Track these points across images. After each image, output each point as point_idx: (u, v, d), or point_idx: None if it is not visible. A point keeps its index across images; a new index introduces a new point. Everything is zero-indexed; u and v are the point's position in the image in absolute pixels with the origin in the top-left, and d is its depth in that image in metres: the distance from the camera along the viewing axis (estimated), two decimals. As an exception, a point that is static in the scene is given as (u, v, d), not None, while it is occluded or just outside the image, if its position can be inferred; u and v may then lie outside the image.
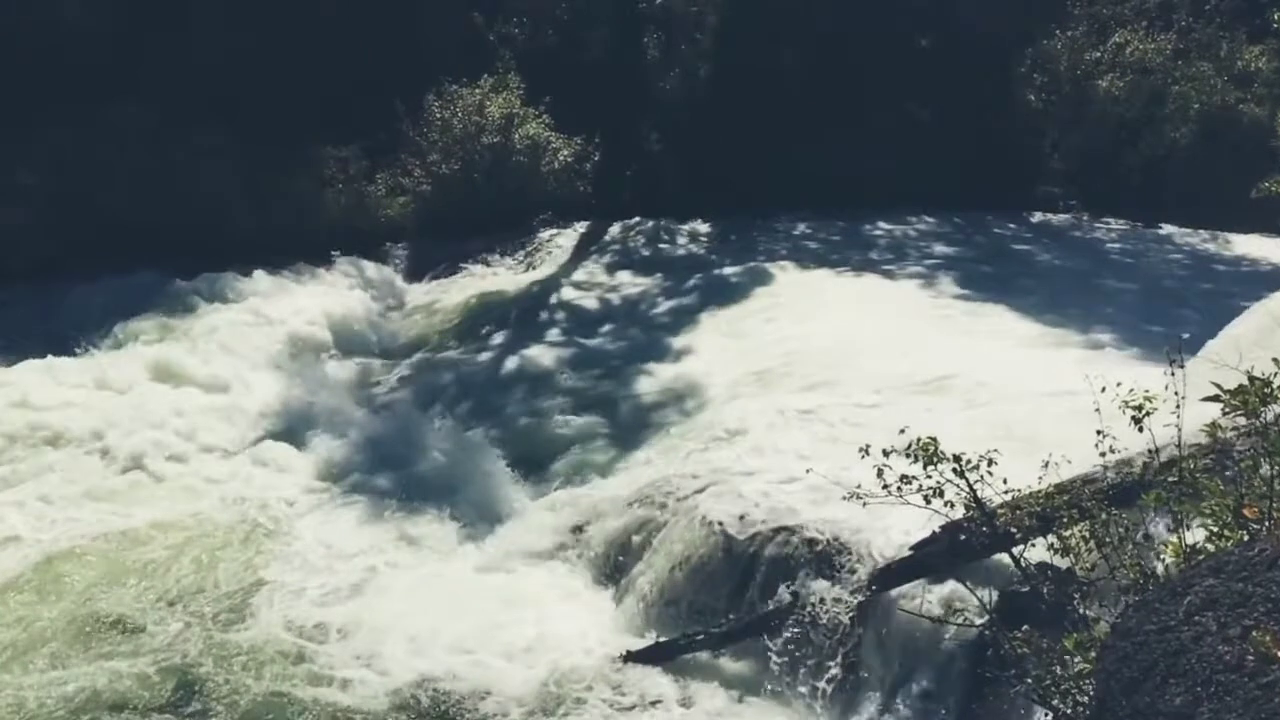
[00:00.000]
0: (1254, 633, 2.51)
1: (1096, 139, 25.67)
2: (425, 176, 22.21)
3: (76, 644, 9.12)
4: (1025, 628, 4.57)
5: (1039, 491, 5.01)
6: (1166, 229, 22.90)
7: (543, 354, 15.68)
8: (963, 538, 6.10)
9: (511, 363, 15.52)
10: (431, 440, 12.96)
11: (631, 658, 8.95)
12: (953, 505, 4.89)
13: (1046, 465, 5.07)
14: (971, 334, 14.62)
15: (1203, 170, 23.47)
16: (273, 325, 16.76)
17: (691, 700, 8.54)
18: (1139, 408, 4.48)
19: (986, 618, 5.79)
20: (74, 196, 18.86)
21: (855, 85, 24.21)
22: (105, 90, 19.69)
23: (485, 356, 15.97)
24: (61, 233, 18.32)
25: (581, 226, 22.51)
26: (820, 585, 8.58)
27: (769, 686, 8.54)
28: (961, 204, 23.28)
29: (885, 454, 4.82)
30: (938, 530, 7.38)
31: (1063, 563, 4.90)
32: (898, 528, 8.39)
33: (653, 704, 8.48)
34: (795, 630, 8.51)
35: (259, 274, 18.31)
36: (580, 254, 21.19)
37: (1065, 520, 4.76)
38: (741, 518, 9.39)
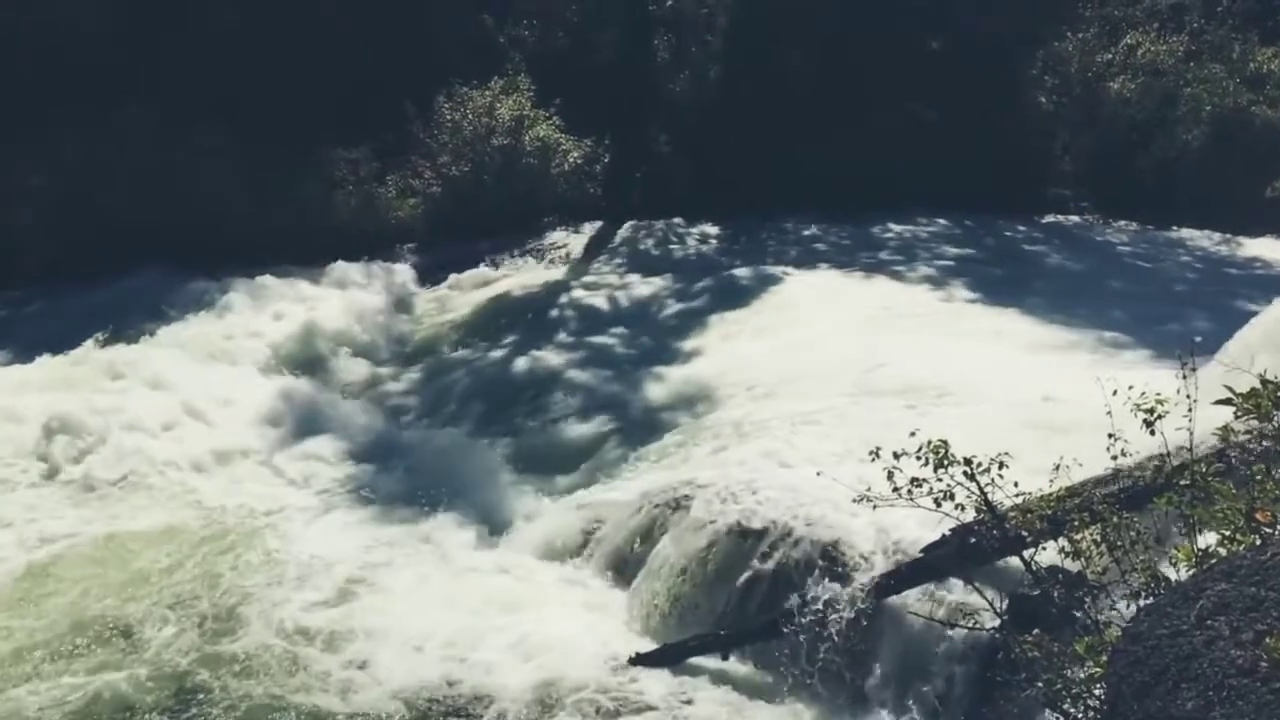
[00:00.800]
0: (1267, 638, 2.49)
1: (1108, 141, 25.60)
2: (435, 178, 22.27)
3: (72, 651, 9.03)
4: (1036, 631, 4.55)
5: (1050, 495, 4.99)
6: (1178, 231, 22.81)
7: (552, 356, 15.70)
8: (973, 541, 6.09)
9: (521, 365, 15.54)
10: (440, 443, 12.98)
11: (639, 660, 8.94)
12: (963, 508, 4.87)
13: (1057, 468, 5.05)
14: (980, 338, 14.57)
15: (1215, 172, 23.39)
16: (281, 327, 16.80)
17: (699, 703, 8.53)
18: (1151, 411, 4.46)
19: (997, 621, 5.77)
20: (80, 198, 18.95)
21: (865, 87, 24.19)
22: (111, 91, 19.79)
23: (495, 358, 16.00)
24: (68, 234, 18.40)
25: (591, 228, 22.54)
26: (829, 588, 8.56)
27: (777, 690, 8.52)
28: (972, 206, 23.23)
29: (896, 457, 4.80)
30: (948, 533, 7.36)
31: (1074, 566, 4.88)
32: (907, 531, 8.37)
33: (660, 707, 8.47)
34: (804, 633, 8.50)
35: (268, 275, 18.37)
36: (590, 255, 21.22)
37: (1076, 523, 4.74)
38: (750, 520, 9.38)
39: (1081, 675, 4.10)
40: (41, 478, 12.38)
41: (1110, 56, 26.61)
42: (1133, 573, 4.42)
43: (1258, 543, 3.46)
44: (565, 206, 22.58)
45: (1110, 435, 4.79)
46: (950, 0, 25.28)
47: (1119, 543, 4.57)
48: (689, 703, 8.52)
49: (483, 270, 20.35)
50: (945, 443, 4.79)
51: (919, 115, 24.26)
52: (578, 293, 18.80)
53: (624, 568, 10.15)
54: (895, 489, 4.83)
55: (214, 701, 8.42)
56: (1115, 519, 4.65)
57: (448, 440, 13.01)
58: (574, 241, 21.98)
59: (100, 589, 10.05)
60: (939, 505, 4.82)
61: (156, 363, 15.04)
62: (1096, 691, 3.95)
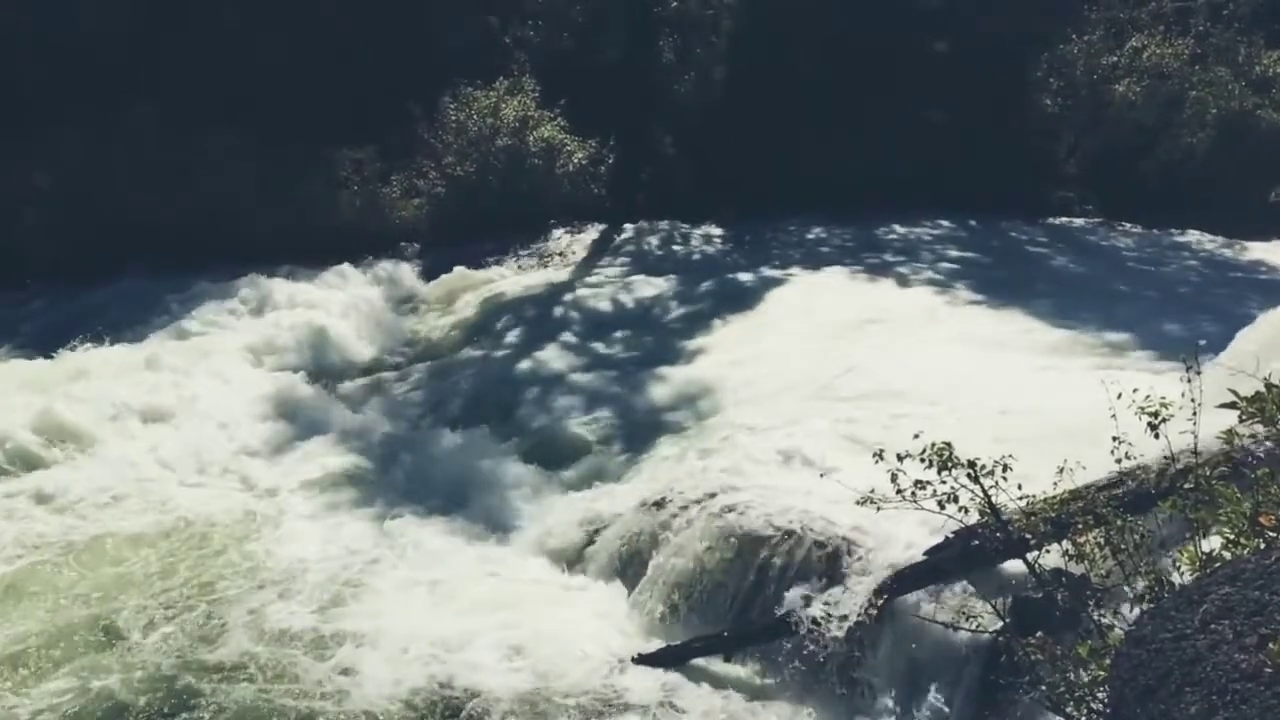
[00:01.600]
0: (1271, 642, 2.49)
1: (1113, 143, 25.56)
2: (440, 178, 22.30)
3: (57, 657, 8.92)
4: (1039, 634, 4.55)
5: (1054, 497, 4.99)
6: (1183, 234, 22.76)
7: (556, 356, 15.71)
8: (976, 543, 6.09)
9: (525, 365, 15.54)
10: (442, 443, 12.99)
11: (641, 661, 8.95)
12: (967, 511, 4.88)
13: (1061, 471, 5.06)
14: (970, 342, 14.53)
15: (1220, 176, 23.34)
16: (284, 327, 16.82)
17: (701, 704, 8.53)
18: (1155, 414, 4.46)
19: (1000, 624, 5.77)
20: (86, 198, 19.00)
21: (870, 89, 24.17)
22: (120, 91, 19.85)
23: (498, 359, 16.00)
24: (72, 233, 18.46)
25: (595, 229, 22.55)
26: (832, 590, 8.56)
27: (779, 692, 8.51)
28: (976, 208, 23.21)
29: (899, 459, 4.81)
30: (951, 535, 7.36)
31: (1077, 569, 4.88)
32: (911, 533, 8.36)
33: (662, 708, 8.47)
34: (806, 635, 8.49)
35: (273, 274, 18.40)
36: (594, 256, 21.22)
37: (1080, 526, 4.74)
38: (753, 522, 9.37)
39: (1084, 678, 4.10)
40: (30, 475, 12.31)
41: (1116, 59, 26.56)
42: (1136, 576, 4.42)
43: (1262, 546, 3.45)
44: (569, 207, 22.59)
45: (1115, 439, 4.79)
46: (955, 2, 25.27)
47: (1123, 546, 4.57)
48: (690, 704, 8.52)
49: (486, 271, 20.35)
50: (949, 445, 4.79)
51: (923, 117, 24.25)
52: (581, 294, 18.81)
53: (626, 569, 10.15)
54: (899, 491, 4.84)
55: (203, 706, 8.33)
56: (1119, 522, 4.66)
57: (450, 441, 13.01)
58: (578, 242, 21.99)
59: (87, 592, 9.96)
60: (943, 508, 4.83)
61: (157, 362, 15.06)
62: (1099, 695, 3.95)
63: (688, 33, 26.75)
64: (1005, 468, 4.85)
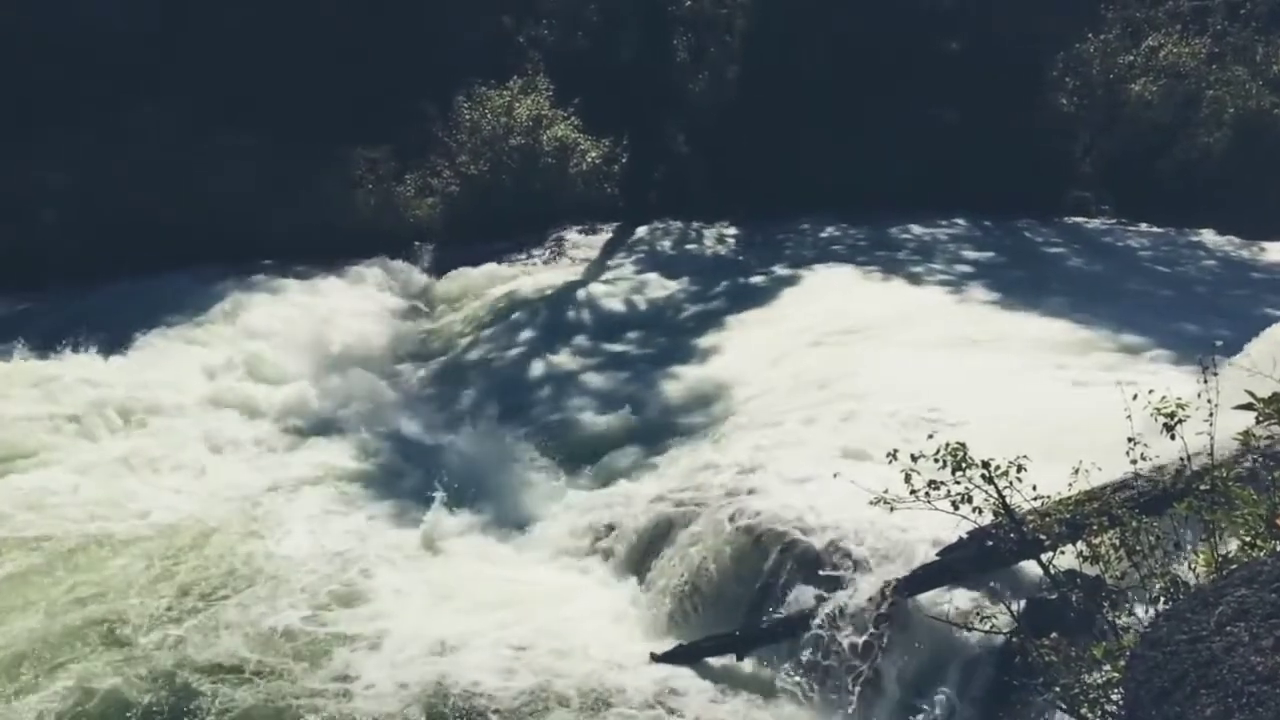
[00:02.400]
0: (1287, 644, 2.48)
1: (1129, 143, 25.43)
2: (454, 177, 22.35)
3: (61, 655, 8.91)
4: (1053, 635, 4.53)
5: (1069, 498, 4.97)
6: (1199, 235, 22.62)
7: (569, 355, 15.72)
8: (990, 544, 6.07)
9: (538, 363, 15.56)
10: (457, 440, 13.02)
11: (657, 659, 8.96)
12: (981, 511, 4.86)
13: (1076, 472, 5.03)
14: (995, 341, 14.48)
15: (1237, 176, 23.19)
16: (300, 325, 16.89)
17: (716, 702, 8.53)
18: (1171, 415, 4.43)
19: (1014, 624, 5.75)
20: (103, 197, 19.09)
21: (884, 88, 24.10)
22: (136, 91, 19.95)
23: (512, 357, 16.03)
24: (93, 233, 18.55)
25: (609, 228, 22.56)
26: (845, 589, 8.55)
27: (793, 690, 8.51)
28: (991, 208, 23.12)
29: (913, 459, 4.79)
30: (965, 536, 7.34)
31: (1092, 570, 4.86)
32: (925, 533, 8.34)
33: (677, 705, 8.47)
34: (820, 634, 8.48)
35: (288, 273, 18.49)
36: (607, 255, 21.23)
37: (1095, 527, 4.72)
38: (767, 521, 9.37)
39: (1099, 680, 4.09)
40: (35, 473, 12.36)
41: (1132, 58, 26.41)
42: (1152, 578, 4.40)
43: (1278, 548, 3.44)
44: (583, 206, 22.60)
45: (1130, 439, 4.77)
46: (970, 1, 25.18)
47: (1138, 547, 4.55)
48: (705, 702, 8.52)
49: (500, 269, 20.39)
50: (963, 445, 4.77)
51: (938, 116, 24.17)
52: (595, 292, 18.82)
53: (639, 567, 10.16)
54: (913, 491, 4.82)
55: (211, 706, 8.33)
56: (1134, 523, 4.63)
57: (462, 439, 13.05)
58: (591, 241, 22.00)
59: (97, 588, 9.98)
60: (956, 508, 4.81)
61: (171, 359, 15.15)
62: (1114, 697, 3.94)
63: (702, 32, 26.73)
64: (1020, 468, 4.83)
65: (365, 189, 21.68)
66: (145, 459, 12.69)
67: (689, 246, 21.94)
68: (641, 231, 22.68)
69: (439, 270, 20.44)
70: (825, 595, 8.62)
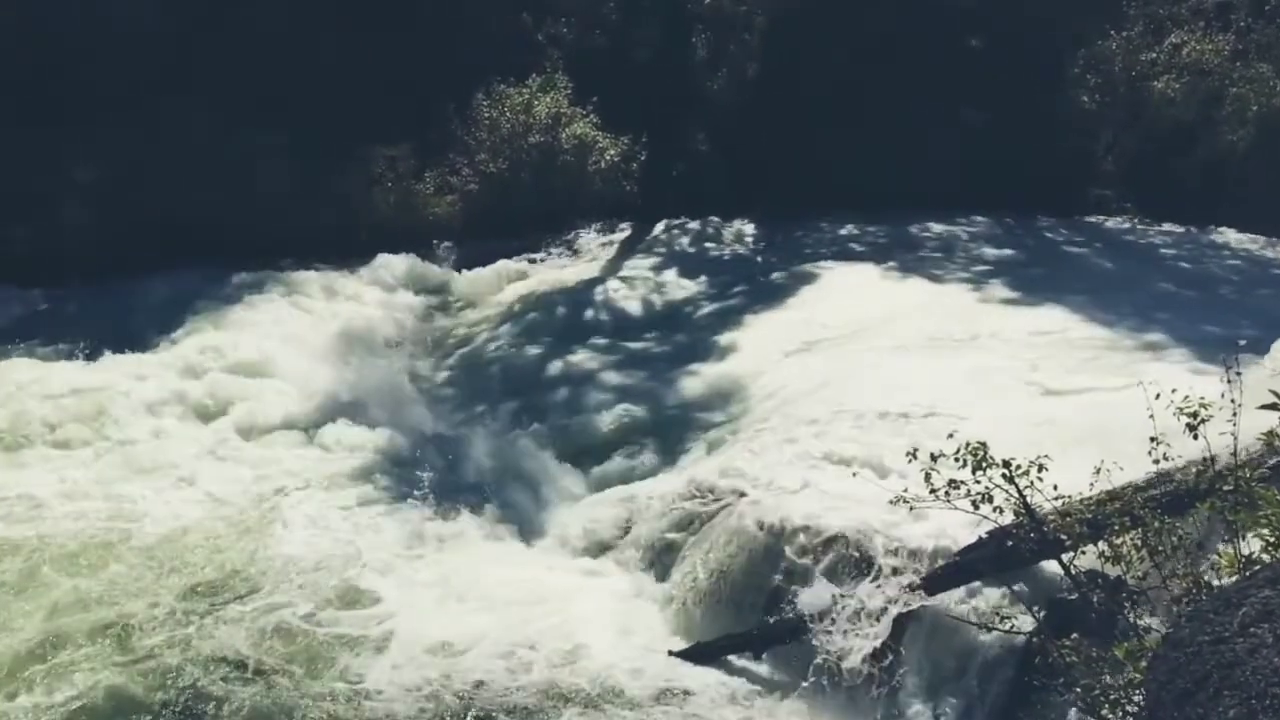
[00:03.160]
0: (1312, 646, 2.46)
1: (1151, 141, 25.20)
2: (473, 175, 22.39)
3: (69, 652, 8.95)
4: (1074, 636, 4.52)
5: (1090, 498, 4.95)
6: (1223, 234, 22.43)
7: (588, 352, 15.73)
8: (1011, 544, 6.05)
9: (555, 361, 15.58)
10: (476, 438, 13.06)
11: (674, 657, 8.96)
12: (1001, 511, 4.84)
13: (1098, 472, 5.01)
14: (1017, 340, 14.40)
15: (1261, 174, 22.95)
16: (321, 321, 16.97)
17: (734, 700, 8.53)
18: (1194, 415, 4.41)
19: (1034, 625, 5.73)
20: (128, 195, 19.20)
21: (904, 86, 23.98)
22: (161, 89, 20.06)
23: (530, 354, 16.06)
24: (118, 230, 18.66)
25: (627, 226, 22.56)
26: (864, 588, 8.53)
27: (810, 690, 8.50)
28: (1012, 206, 22.98)
29: (933, 458, 4.78)
30: (985, 535, 7.31)
31: (1113, 571, 4.83)
32: (944, 532, 8.31)
33: (695, 703, 8.48)
34: (839, 633, 8.47)
35: (310, 270, 18.58)
36: (625, 253, 21.24)
37: (1117, 528, 4.70)
38: (785, 519, 9.36)
39: (1120, 681, 4.07)
40: (78, 465, 12.49)
41: (1155, 55, 26.18)
42: (1174, 578, 4.38)
43: (1303, 550, 3.41)
44: (602, 204, 22.59)
45: (1153, 439, 4.74)
46: (991, -1, 25.03)
47: (1160, 548, 4.53)
48: (723, 700, 8.53)
49: (519, 266, 20.42)
50: (984, 444, 4.76)
51: (958, 114, 24.04)
52: (613, 290, 18.83)
53: (658, 565, 10.17)
54: (932, 491, 4.81)
55: (224, 703, 8.36)
56: (1157, 524, 4.61)
57: (480, 437, 13.08)
58: (610, 239, 22.01)
59: (112, 581, 10.04)
60: (977, 508, 4.80)
61: (191, 357, 15.22)
62: (1135, 698, 3.92)
63: (721, 30, 26.65)
64: (1040, 468, 4.81)
65: (385, 187, 21.75)
66: (153, 458, 12.72)
67: (707, 245, 21.92)
68: (659, 230, 22.67)
69: (457, 267, 20.49)
70: (843, 594, 8.60)
